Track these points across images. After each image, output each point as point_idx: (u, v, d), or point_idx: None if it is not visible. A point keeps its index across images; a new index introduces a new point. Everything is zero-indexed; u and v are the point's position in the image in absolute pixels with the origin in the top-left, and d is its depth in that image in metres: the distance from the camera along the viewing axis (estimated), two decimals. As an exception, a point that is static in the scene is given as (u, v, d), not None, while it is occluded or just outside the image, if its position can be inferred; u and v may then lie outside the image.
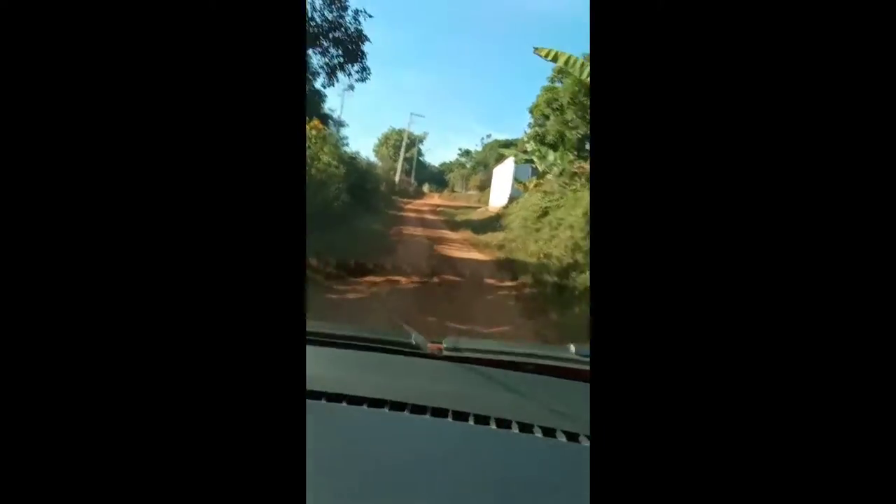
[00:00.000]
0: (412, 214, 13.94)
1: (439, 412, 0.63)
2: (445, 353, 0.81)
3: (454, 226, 11.20)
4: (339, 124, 16.97)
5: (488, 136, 40.52)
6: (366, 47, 10.80)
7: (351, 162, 11.19)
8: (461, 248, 7.44)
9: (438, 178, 40.60)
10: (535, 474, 0.53)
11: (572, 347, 0.80)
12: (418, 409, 0.63)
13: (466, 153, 41.54)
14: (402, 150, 25.86)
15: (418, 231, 9.35)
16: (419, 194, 28.95)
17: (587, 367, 0.71)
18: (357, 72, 11.07)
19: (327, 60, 10.48)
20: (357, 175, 11.20)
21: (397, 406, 0.64)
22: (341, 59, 10.47)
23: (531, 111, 12.57)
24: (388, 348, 0.83)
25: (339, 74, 10.74)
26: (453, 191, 34.54)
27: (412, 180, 32.65)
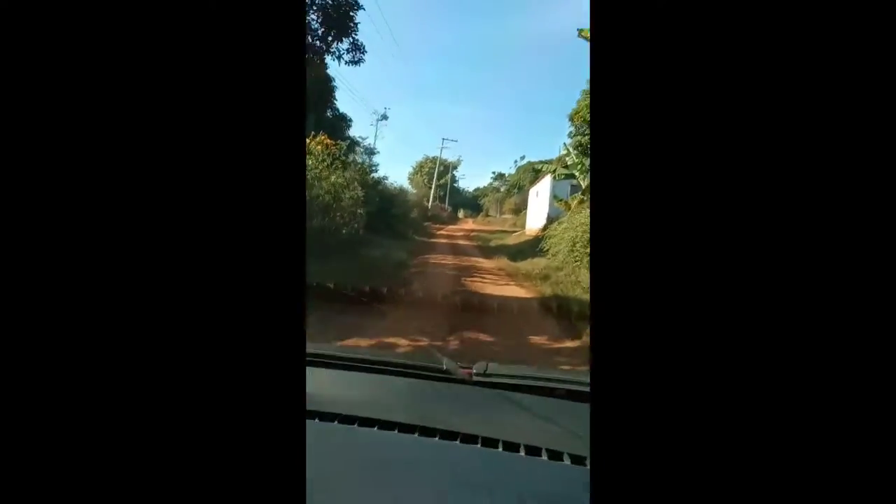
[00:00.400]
0: (443, 241, 12.92)
1: (469, 438, 0.62)
2: (475, 378, 0.81)
3: (488, 252, 9.90)
4: (370, 151, 16.23)
5: (522, 157, 39.11)
6: (360, 17, 7.65)
7: (374, 186, 10.28)
8: (496, 281, 6.05)
9: (473, 204, 39.72)
10: (562, 500, 0.52)
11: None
12: (448, 435, 0.63)
13: (500, 176, 40.23)
14: (435, 176, 24.96)
15: (447, 259, 8.12)
16: (453, 219, 28.13)
17: None
18: (348, 51, 7.87)
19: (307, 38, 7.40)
20: (382, 200, 10.29)
21: (428, 432, 0.63)
22: (328, 36, 7.44)
23: (571, 118, 11.30)
24: (419, 374, 0.83)
25: (327, 56, 7.83)
26: (487, 215, 33.41)
27: (446, 206, 31.91)
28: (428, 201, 24.09)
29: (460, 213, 37.04)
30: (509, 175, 35.92)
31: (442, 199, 34.48)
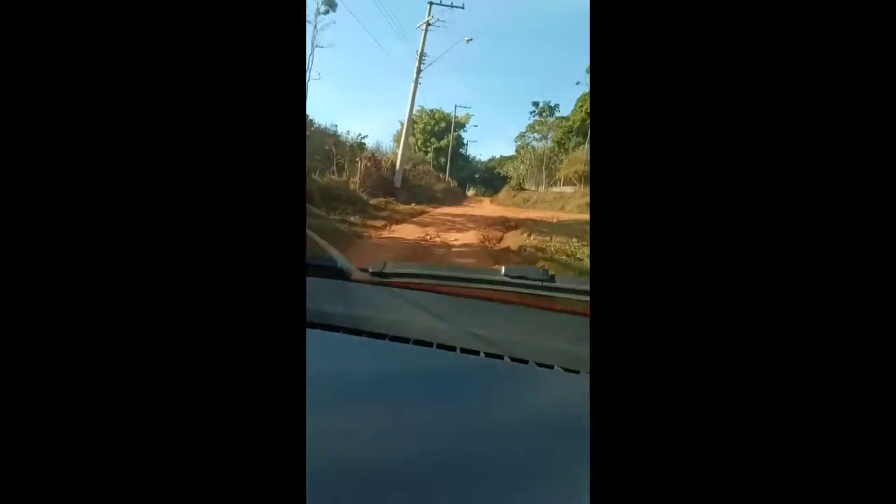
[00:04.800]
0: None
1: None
2: (371, 277, 0.86)
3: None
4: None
5: (577, 83, 24.13)
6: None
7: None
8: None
9: (488, 179, 28.15)
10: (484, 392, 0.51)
11: (503, 269, 0.81)
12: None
13: (547, 110, 24.59)
14: (406, 125, 13.27)
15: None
16: (456, 199, 16.96)
17: (517, 291, 0.77)
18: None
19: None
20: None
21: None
22: None
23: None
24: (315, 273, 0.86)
25: None
26: (521, 189, 20.05)
27: (445, 177, 20.62)
28: (395, 165, 12.49)
29: (470, 191, 25.67)
30: (565, 114, 21.75)
31: (441, 169, 23.04)
